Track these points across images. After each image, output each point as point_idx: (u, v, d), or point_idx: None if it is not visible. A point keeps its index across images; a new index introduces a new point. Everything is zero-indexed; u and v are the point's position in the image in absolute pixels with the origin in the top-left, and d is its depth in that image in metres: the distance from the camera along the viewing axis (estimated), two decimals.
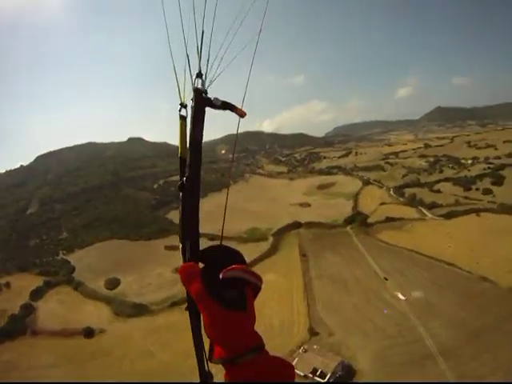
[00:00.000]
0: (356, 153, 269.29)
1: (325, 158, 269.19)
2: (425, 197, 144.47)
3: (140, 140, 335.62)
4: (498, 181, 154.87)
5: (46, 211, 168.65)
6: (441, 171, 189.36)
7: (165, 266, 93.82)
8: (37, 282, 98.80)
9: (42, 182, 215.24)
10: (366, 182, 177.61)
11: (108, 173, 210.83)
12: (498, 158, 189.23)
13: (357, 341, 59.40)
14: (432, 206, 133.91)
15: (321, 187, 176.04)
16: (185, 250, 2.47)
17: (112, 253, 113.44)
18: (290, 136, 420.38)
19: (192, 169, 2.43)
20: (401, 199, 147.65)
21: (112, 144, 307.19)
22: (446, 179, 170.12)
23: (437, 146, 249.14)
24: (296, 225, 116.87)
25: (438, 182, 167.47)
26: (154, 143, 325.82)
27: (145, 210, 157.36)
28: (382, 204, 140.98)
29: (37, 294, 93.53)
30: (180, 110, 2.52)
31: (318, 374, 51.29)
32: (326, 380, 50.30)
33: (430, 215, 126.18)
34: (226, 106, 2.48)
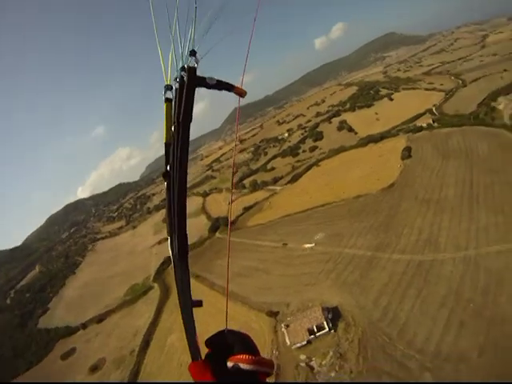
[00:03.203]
0: None
1: (154, 194, 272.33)
2: (264, 178, 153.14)
3: None
4: (318, 137, 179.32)
5: None
6: (265, 154, 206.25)
7: (79, 375, 75.43)
8: None
9: None
10: (205, 195, 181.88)
11: None
12: (309, 121, 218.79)
13: (312, 292, 59.13)
14: (275, 181, 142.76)
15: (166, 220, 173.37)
16: (172, 243, 2.46)
17: None
18: (109, 191, 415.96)
19: (181, 153, 2.34)
20: (244, 190, 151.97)
21: None
22: (274, 157, 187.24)
23: (251, 136, 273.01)
24: (168, 260, 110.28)
25: (268, 162, 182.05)
26: None
27: (13, 334, 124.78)
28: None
29: None
30: (165, 93, 2.45)
31: (316, 330, 49.71)
32: (328, 327, 49.34)
33: (278, 188, 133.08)
34: (221, 85, 2.41)
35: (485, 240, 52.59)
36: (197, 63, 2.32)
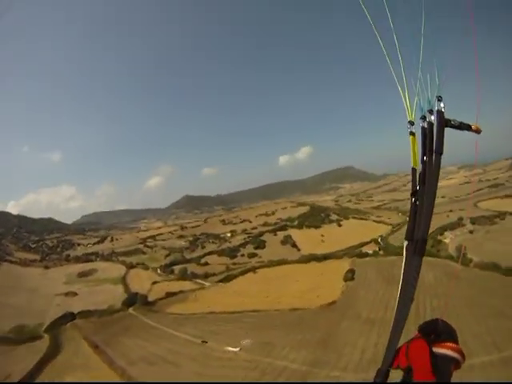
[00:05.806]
0: (112, 238, 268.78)
1: (79, 245, 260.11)
2: (196, 270, 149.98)
3: None
4: (260, 245, 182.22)
5: None
6: (203, 247, 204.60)
7: None
8: None
9: None
10: (130, 266, 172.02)
11: None
12: (255, 228, 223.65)
13: None
14: (206, 276, 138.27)
15: (82, 275, 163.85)
16: (409, 247, 2.91)
17: None
18: (38, 220, 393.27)
19: (434, 175, 2.84)
20: (172, 276, 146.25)
21: None
22: (210, 253, 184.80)
23: (193, 226, 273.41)
24: (69, 316, 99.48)
25: (203, 256, 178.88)
26: None
27: None
28: (155, 283, 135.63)
29: None
30: (409, 127, 3.11)
31: None
32: None
33: (207, 283, 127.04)
34: (462, 125, 2.91)
35: None
36: (444, 107, 2.86)
